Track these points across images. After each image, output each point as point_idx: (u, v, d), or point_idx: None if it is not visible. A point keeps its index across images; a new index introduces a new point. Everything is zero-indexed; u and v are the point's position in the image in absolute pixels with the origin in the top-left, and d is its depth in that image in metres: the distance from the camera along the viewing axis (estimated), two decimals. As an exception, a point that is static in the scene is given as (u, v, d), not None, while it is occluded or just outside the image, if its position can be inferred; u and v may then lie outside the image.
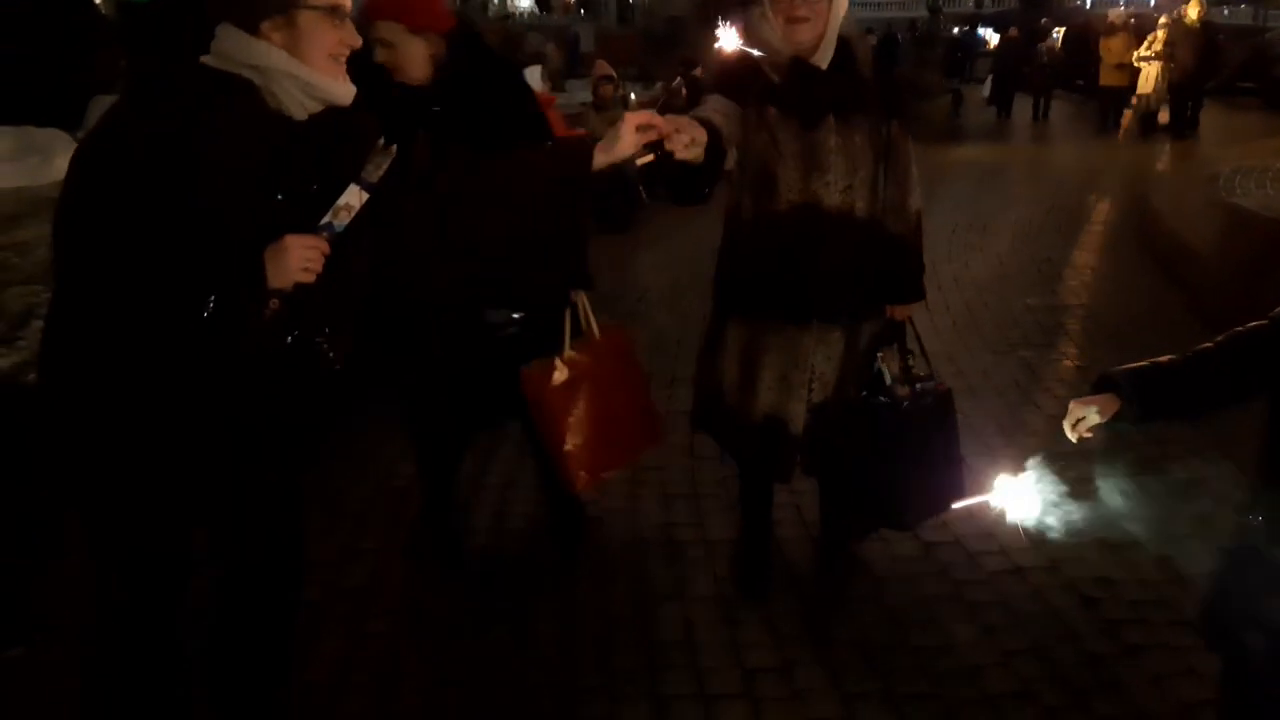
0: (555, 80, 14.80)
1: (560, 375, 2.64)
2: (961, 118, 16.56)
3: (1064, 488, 1.74)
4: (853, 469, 2.66)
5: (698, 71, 11.99)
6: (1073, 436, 1.75)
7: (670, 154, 1.97)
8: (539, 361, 2.64)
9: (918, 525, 2.85)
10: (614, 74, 8.71)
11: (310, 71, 1.71)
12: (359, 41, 1.80)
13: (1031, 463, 1.78)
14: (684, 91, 11.26)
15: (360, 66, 1.96)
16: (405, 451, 3.75)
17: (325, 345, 1.85)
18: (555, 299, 2.70)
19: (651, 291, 6.22)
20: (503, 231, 2.16)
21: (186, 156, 1.60)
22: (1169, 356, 1.76)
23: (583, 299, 2.75)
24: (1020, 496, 1.75)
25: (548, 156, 2.17)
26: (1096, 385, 1.77)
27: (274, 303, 1.68)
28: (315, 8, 1.71)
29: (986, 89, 16.89)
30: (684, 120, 2.01)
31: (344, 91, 1.78)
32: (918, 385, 2.64)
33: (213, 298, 1.60)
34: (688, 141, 1.97)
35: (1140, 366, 1.75)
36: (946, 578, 3.01)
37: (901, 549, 3.13)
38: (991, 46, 21.49)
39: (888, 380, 2.63)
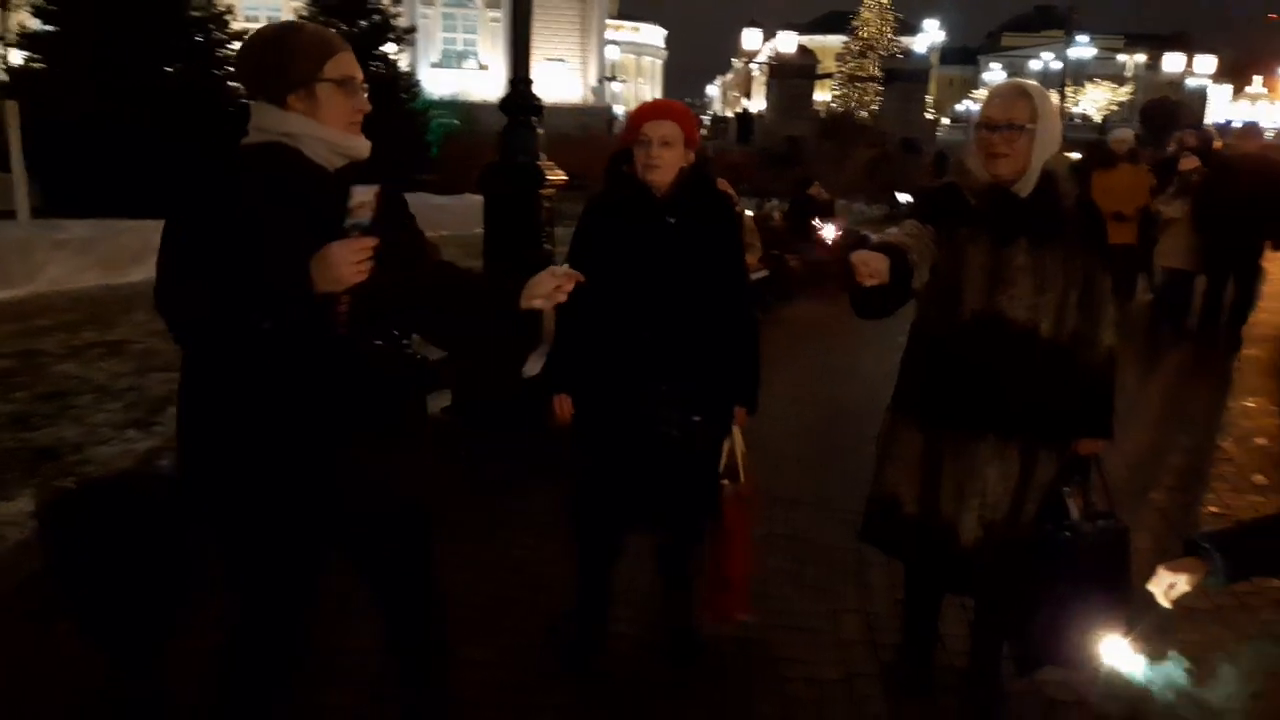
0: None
1: (751, 500, 2.98)
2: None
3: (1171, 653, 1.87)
4: (1021, 599, 2.62)
5: (813, 189, 12.18)
6: (1164, 602, 1.86)
7: (785, 267, 2.23)
8: (730, 484, 2.92)
9: (1079, 666, 2.70)
10: (733, 192, 8.84)
11: (332, 132, 2.00)
12: (369, 108, 2.07)
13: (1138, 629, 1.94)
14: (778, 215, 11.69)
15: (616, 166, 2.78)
16: (501, 560, 3.79)
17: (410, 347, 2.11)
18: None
19: (766, 409, 6.18)
20: None
21: (224, 212, 1.89)
22: (1257, 516, 1.91)
23: (736, 432, 2.99)
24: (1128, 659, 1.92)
25: None
26: (1185, 549, 1.88)
27: (344, 300, 1.91)
28: (330, 80, 1.99)
29: None
30: (869, 254, 2.22)
31: (361, 145, 2.06)
32: (1100, 522, 2.62)
33: (270, 313, 1.86)
34: (870, 273, 2.20)
35: (1227, 530, 1.91)
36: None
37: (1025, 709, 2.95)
38: None
39: (1073, 515, 2.60)
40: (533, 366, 2.36)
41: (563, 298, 2.17)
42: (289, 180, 1.95)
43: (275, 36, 2.04)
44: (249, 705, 2.22)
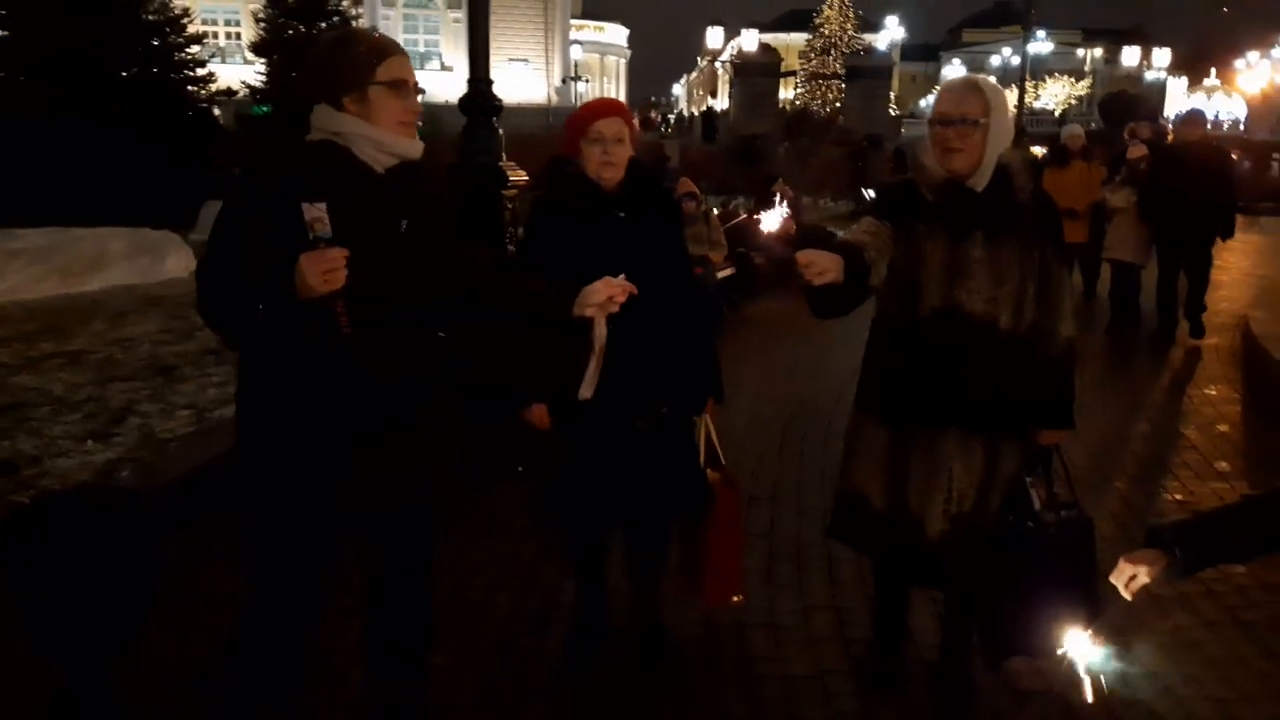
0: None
1: (736, 488, 3.07)
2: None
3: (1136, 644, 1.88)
4: (988, 592, 2.64)
5: (777, 186, 12.21)
6: (1126, 595, 1.88)
7: (750, 265, 2.21)
8: (714, 473, 2.98)
9: (1046, 656, 2.73)
10: (697, 191, 8.86)
11: (381, 132, 2.08)
12: (421, 109, 2.18)
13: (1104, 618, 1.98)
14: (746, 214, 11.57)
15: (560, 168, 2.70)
16: (482, 563, 3.76)
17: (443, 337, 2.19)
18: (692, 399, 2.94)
19: (732, 406, 6.18)
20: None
21: (261, 198, 2.03)
22: (1216, 506, 1.89)
23: (707, 421, 3.03)
24: (1091, 651, 1.91)
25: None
26: (1146, 539, 1.89)
27: (339, 306, 1.99)
28: (382, 83, 2.08)
29: None
30: (816, 253, 2.20)
31: (412, 146, 2.14)
32: (1063, 512, 2.63)
33: (261, 305, 2.00)
34: (819, 272, 2.20)
35: (1187, 520, 1.90)
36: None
37: (996, 700, 2.95)
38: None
39: (1036, 505, 2.62)
40: (587, 389, 2.30)
41: (615, 308, 2.21)
42: (336, 176, 2.05)
43: (333, 42, 2.17)
44: (249, 698, 2.27)
